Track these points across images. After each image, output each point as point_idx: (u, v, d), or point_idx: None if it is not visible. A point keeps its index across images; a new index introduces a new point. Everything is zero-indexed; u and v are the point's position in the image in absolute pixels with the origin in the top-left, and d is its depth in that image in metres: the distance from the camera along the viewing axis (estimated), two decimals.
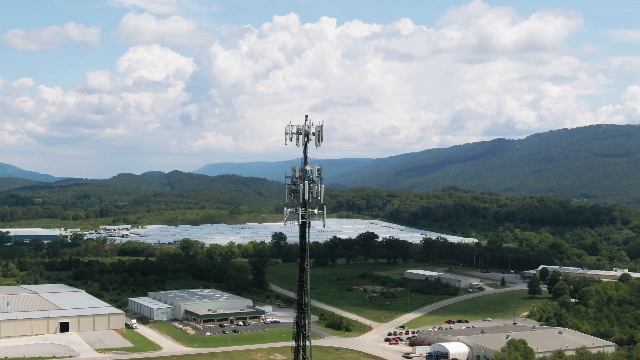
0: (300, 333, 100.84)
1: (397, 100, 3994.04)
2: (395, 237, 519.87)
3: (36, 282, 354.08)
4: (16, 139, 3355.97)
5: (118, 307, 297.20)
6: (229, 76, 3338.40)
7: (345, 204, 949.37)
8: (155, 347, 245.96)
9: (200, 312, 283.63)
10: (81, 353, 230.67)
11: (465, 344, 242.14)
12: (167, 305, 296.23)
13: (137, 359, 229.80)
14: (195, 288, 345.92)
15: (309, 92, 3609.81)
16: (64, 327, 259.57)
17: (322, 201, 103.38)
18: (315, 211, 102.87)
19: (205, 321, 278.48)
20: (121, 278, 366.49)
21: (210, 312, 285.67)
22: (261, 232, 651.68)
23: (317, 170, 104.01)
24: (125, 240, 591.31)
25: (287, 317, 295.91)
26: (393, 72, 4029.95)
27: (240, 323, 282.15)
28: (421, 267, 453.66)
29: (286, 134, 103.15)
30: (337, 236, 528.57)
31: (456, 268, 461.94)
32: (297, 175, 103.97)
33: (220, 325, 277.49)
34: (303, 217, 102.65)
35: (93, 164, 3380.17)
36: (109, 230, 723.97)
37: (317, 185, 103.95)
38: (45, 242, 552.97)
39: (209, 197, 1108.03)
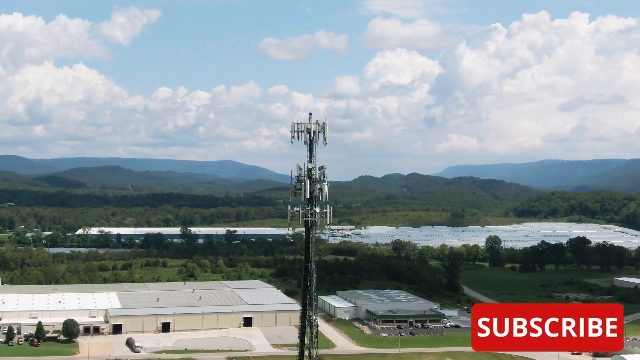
0: (304, 333, 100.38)
1: None
2: (609, 243, 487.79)
3: (239, 278, 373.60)
4: (271, 144, 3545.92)
5: None
6: (474, 77, 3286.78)
7: (577, 207, 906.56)
8: (330, 344, 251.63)
9: (379, 313, 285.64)
10: (257, 347, 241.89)
11: None
12: (350, 305, 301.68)
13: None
14: (387, 288, 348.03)
15: (558, 90, 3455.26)
16: (248, 322, 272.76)
17: (325, 200, 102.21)
18: (317, 210, 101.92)
19: (384, 322, 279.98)
20: (319, 277, 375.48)
21: (390, 313, 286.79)
22: (481, 235, 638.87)
23: (320, 169, 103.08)
24: (343, 240, 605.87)
25: (469, 322, 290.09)
26: None
27: (419, 325, 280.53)
28: (637, 275, 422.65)
29: (291, 132, 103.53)
30: (547, 241, 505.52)
31: None
32: (302, 173, 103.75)
33: (399, 327, 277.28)
34: (306, 215, 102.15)
35: (340, 167, 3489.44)
36: (333, 230, 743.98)
37: (320, 184, 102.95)
38: (269, 240, 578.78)
39: (441, 200, 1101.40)
